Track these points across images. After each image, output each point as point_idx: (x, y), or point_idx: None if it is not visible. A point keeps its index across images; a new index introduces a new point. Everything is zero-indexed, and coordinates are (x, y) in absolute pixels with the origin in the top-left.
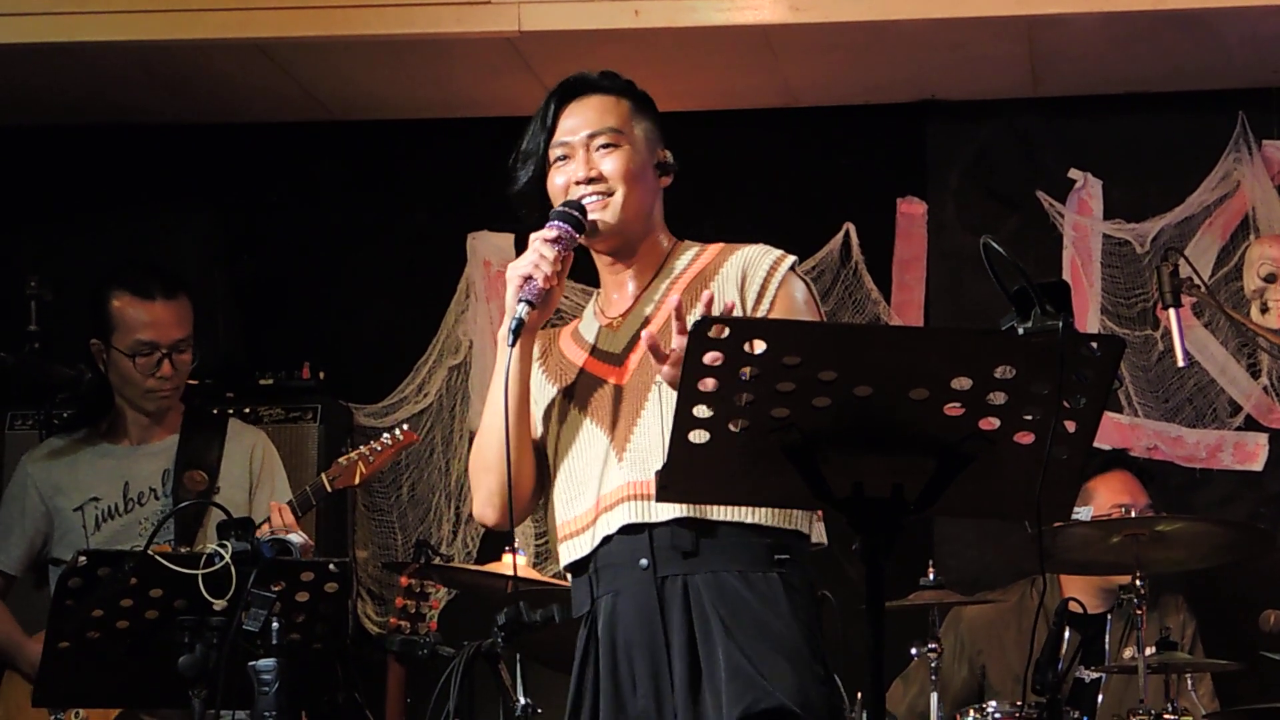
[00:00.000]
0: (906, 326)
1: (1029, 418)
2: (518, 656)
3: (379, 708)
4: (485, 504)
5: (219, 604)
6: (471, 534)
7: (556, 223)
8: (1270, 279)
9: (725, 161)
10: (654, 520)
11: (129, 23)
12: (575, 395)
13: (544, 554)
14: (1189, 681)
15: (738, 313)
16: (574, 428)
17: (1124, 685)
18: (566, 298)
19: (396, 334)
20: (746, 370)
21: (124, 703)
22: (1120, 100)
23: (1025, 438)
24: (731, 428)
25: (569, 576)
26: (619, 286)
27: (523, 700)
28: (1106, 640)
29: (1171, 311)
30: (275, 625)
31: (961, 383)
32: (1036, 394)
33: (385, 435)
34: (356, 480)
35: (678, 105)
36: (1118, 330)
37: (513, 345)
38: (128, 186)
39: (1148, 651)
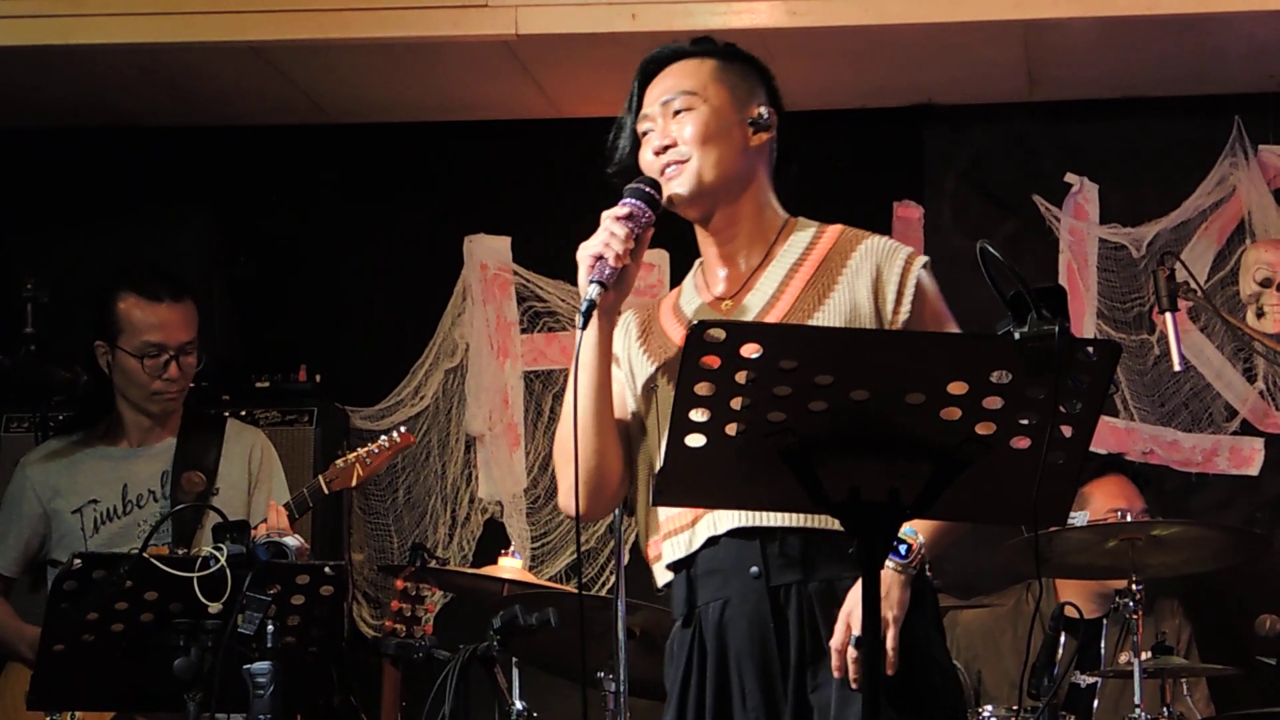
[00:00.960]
0: (903, 331)
1: (1025, 422)
2: (513, 660)
3: (374, 711)
4: (568, 495)
5: (214, 607)
6: (467, 537)
7: (628, 199)
8: (1266, 284)
9: None
10: (767, 525)
11: (126, 25)
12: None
13: (540, 558)
14: (1184, 686)
15: (867, 311)
16: None
17: (1120, 690)
18: (563, 299)
19: (393, 337)
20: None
21: (119, 705)
22: (1117, 105)
23: (1021, 442)
24: (728, 432)
25: (665, 573)
26: (725, 261)
27: (518, 704)
28: (1102, 645)
29: (1168, 316)
30: (270, 628)
31: (958, 387)
32: (1033, 399)
33: (383, 437)
34: (353, 482)
35: None
36: (1114, 335)
37: (583, 329)
38: (125, 189)
39: (1143, 656)
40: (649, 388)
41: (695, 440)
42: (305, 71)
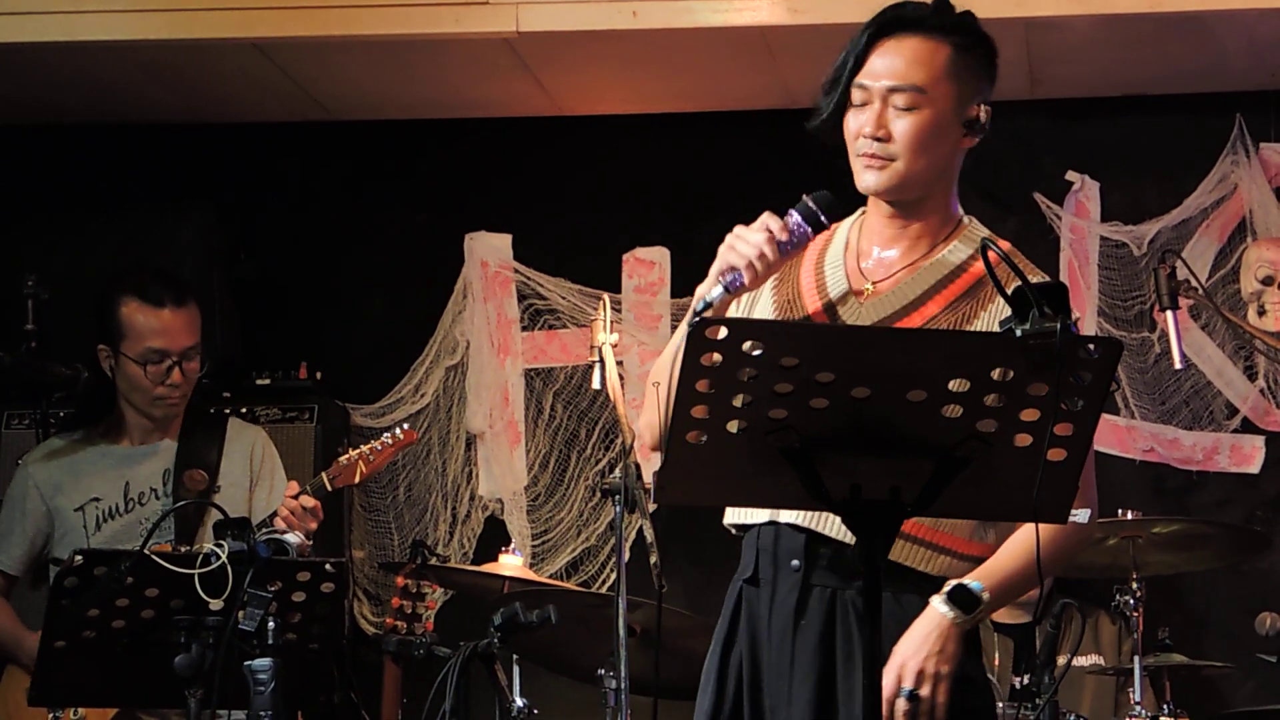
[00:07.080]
0: (904, 328)
1: (1026, 420)
2: (514, 657)
3: (375, 708)
4: (643, 429)
5: (215, 603)
6: (468, 534)
7: (796, 218)
8: (1267, 281)
9: (724, 162)
10: (818, 530)
11: (127, 22)
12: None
13: (541, 555)
14: (1131, 695)
15: None
16: None
17: (1068, 687)
18: (564, 297)
19: (393, 334)
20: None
21: (120, 702)
22: (1118, 103)
23: (1023, 440)
24: (729, 429)
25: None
26: (886, 243)
27: (519, 701)
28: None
29: (1169, 314)
30: (271, 625)
31: (959, 385)
32: (1034, 396)
33: (385, 435)
34: (356, 479)
35: (675, 106)
36: (1115, 332)
37: (692, 326)
38: (126, 185)
39: (1088, 660)
40: None
41: (696, 437)
42: (307, 68)
